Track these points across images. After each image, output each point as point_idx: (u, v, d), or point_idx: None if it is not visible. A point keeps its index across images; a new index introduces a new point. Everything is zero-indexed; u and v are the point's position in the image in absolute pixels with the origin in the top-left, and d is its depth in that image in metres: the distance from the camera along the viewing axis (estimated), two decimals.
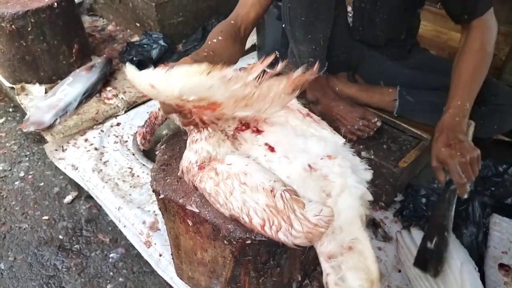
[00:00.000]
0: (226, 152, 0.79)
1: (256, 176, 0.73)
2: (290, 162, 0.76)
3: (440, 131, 1.03)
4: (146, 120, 1.09)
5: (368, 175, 0.77)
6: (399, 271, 1.12)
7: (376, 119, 1.28)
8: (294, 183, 0.74)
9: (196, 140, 0.80)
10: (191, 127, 0.81)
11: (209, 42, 1.02)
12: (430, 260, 1.00)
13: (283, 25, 1.25)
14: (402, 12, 1.23)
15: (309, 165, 0.75)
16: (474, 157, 0.95)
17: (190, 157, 0.81)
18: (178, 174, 0.86)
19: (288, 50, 1.39)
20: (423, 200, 1.26)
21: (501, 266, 1.14)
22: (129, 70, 0.66)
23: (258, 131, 0.81)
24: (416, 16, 1.33)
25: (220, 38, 1.02)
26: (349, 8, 1.24)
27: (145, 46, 2.03)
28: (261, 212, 0.70)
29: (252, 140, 0.80)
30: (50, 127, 1.64)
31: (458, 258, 1.06)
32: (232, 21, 1.09)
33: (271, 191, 0.70)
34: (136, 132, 1.63)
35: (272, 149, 0.79)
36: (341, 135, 0.86)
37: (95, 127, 1.70)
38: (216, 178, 0.75)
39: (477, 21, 1.09)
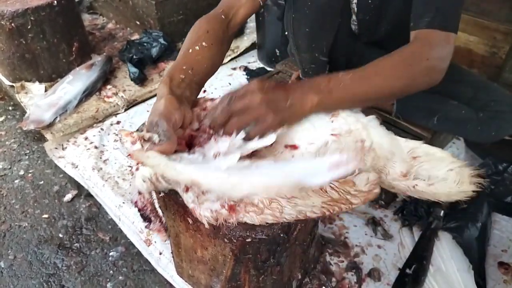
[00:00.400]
0: None
1: None
2: (317, 145, 0.76)
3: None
4: (145, 212, 0.85)
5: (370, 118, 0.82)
6: (399, 269, 1.12)
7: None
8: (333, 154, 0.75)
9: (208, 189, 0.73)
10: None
11: (190, 51, 0.86)
12: (408, 284, 1.06)
13: (286, 33, 1.23)
14: (407, 20, 1.21)
15: (332, 134, 0.77)
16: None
17: (209, 206, 0.72)
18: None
19: (288, 48, 1.39)
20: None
21: (501, 264, 1.14)
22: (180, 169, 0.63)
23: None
24: None
25: (204, 44, 0.87)
26: (354, 17, 1.23)
27: (145, 44, 2.03)
28: (319, 209, 0.71)
29: (271, 152, 0.77)
30: (50, 125, 1.64)
31: (452, 258, 1.07)
32: (222, 16, 0.96)
33: (321, 188, 0.70)
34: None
35: (295, 147, 0.77)
36: None
37: (95, 125, 1.70)
38: (257, 209, 0.72)
39: (422, 33, 0.92)
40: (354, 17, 1.20)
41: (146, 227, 0.83)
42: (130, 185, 1.41)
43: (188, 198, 0.73)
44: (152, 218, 0.81)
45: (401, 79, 0.84)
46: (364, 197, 0.72)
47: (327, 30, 1.16)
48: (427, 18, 0.91)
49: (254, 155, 0.75)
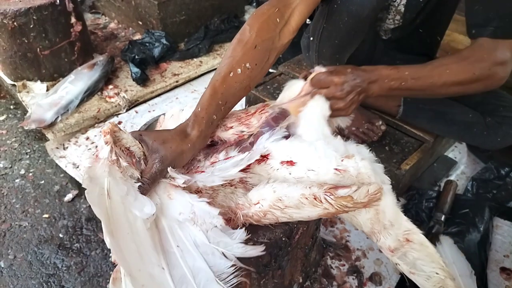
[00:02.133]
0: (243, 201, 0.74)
1: (291, 192, 0.69)
2: (317, 174, 0.73)
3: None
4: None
5: (380, 166, 0.79)
6: (400, 273, 1.12)
7: (380, 122, 1.27)
8: None
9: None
10: None
11: (231, 74, 0.77)
12: None
13: (311, 38, 1.18)
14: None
15: (336, 169, 0.73)
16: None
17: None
18: None
19: (302, 44, 1.36)
20: (426, 204, 1.26)
21: (503, 269, 1.14)
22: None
23: (264, 157, 0.76)
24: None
25: (248, 66, 0.78)
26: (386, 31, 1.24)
27: (147, 44, 2.03)
28: (318, 215, 0.71)
29: (265, 170, 0.75)
30: (51, 125, 1.63)
31: (454, 263, 1.07)
32: (277, 19, 0.84)
33: (315, 198, 0.68)
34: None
35: (291, 162, 0.74)
36: (344, 136, 0.84)
37: (96, 125, 1.70)
38: (254, 221, 0.73)
39: (486, 41, 0.90)
40: (386, 33, 1.20)
41: None
42: None
43: None
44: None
45: (462, 77, 0.88)
46: (363, 205, 0.70)
47: (355, 42, 1.14)
48: (490, 27, 0.88)
49: (244, 182, 0.76)
